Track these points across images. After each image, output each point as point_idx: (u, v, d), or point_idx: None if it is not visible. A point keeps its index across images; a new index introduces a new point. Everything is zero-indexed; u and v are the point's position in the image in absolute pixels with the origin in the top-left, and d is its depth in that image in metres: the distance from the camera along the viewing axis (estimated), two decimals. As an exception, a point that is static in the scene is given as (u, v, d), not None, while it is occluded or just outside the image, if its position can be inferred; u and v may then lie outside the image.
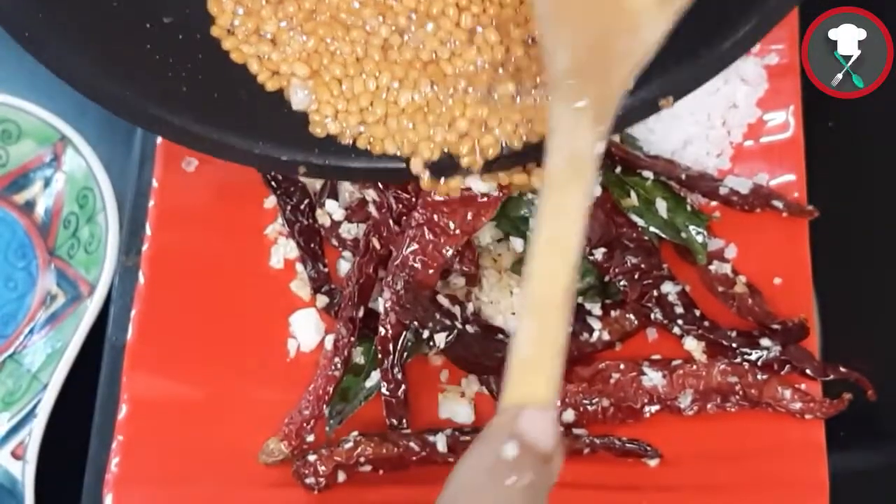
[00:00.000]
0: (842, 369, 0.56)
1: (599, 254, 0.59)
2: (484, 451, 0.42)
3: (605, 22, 0.47)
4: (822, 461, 0.56)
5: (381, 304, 0.57)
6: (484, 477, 0.42)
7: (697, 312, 0.58)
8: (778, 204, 0.60)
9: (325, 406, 0.57)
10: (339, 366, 0.58)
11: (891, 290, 0.64)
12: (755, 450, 0.56)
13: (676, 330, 0.58)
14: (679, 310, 0.58)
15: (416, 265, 0.57)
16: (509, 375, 0.43)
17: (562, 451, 0.43)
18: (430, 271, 0.57)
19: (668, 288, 0.58)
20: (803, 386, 0.57)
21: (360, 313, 0.58)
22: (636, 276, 0.58)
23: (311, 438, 0.58)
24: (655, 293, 0.58)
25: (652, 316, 0.58)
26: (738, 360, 0.57)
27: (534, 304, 0.44)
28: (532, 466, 0.42)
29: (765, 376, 0.57)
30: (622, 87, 0.47)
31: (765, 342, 0.57)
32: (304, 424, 0.57)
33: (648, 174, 0.60)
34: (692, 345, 0.58)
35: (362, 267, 0.59)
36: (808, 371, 0.57)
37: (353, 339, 0.58)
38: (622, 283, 0.58)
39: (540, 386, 0.43)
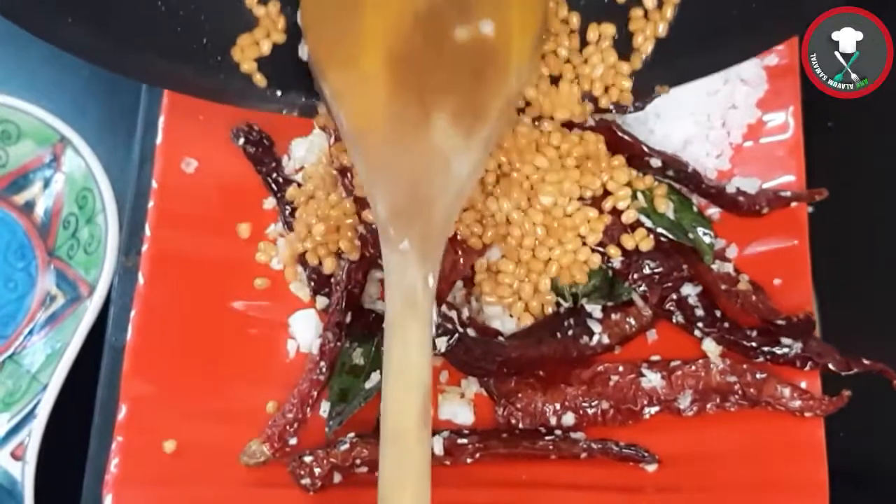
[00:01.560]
0: (865, 361, 0.56)
1: (617, 261, 0.59)
2: None
3: (418, 168, 0.50)
4: (821, 461, 0.56)
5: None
6: None
7: (718, 313, 0.58)
8: (786, 194, 0.60)
9: (308, 409, 0.58)
10: (324, 370, 0.58)
11: (891, 290, 0.64)
12: (755, 450, 0.56)
13: (697, 332, 0.58)
14: (699, 312, 0.58)
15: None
16: (378, 498, 0.46)
17: None
18: (445, 286, 0.58)
19: (688, 290, 0.59)
20: (803, 384, 0.57)
21: (348, 318, 0.58)
22: (656, 281, 0.58)
23: (293, 441, 0.58)
24: (675, 296, 0.58)
25: (673, 319, 0.59)
26: (760, 359, 0.57)
27: (390, 433, 0.47)
28: None
29: (763, 375, 0.57)
30: (444, 223, 0.50)
31: (786, 340, 0.57)
32: (287, 427, 0.57)
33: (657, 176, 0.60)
34: (710, 346, 0.58)
35: (351, 273, 0.59)
36: (830, 366, 0.57)
37: (339, 343, 0.58)
38: (642, 288, 0.58)
39: None
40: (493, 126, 0.52)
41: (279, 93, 0.59)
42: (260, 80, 0.59)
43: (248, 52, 0.59)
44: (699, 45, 0.59)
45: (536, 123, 0.58)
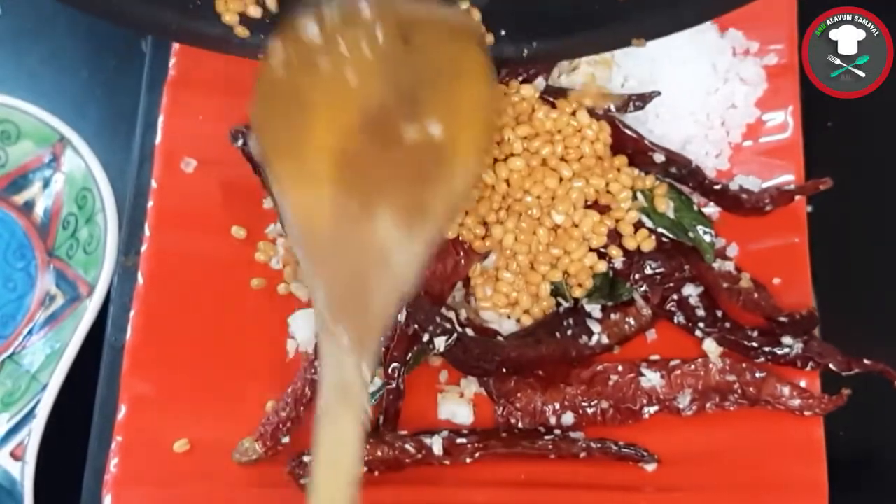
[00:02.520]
0: (866, 361, 0.56)
1: (619, 262, 0.59)
2: None
3: (358, 261, 0.50)
4: (821, 460, 0.56)
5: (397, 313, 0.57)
6: None
7: (719, 313, 0.59)
8: (789, 188, 0.60)
9: (302, 409, 0.58)
10: (318, 370, 0.58)
11: (890, 290, 0.64)
12: (754, 450, 0.56)
13: (698, 333, 0.58)
14: (700, 312, 0.58)
15: (433, 280, 0.58)
16: None
17: None
18: (447, 287, 0.58)
19: (690, 290, 0.59)
20: (802, 383, 0.57)
21: None
22: (657, 281, 0.58)
23: (286, 440, 0.58)
24: (676, 297, 0.58)
25: (674, 319, 0.59)
26: (761, 359, 0.57)
27: None
28: None
29: (763, 374, 0.57)
30: (381, 315, 0.50)
31: (786, 340, 0.57)
32: (280, 426, 0.57)
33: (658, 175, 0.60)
34: (710, 347, 0.58)
35: None
36: (831, 366, 0.57)
37: None
38: (643, 288, 0.58)
39: None
40: (437, 223, 0.52)
41: (262, 37, 0.58)
42: (242, 31, 0.58)
43: (233, 5, 0.58)
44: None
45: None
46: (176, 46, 0.65)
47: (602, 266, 0.59)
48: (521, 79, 0.60)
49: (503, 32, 0.58)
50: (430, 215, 0.52)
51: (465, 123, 0.54)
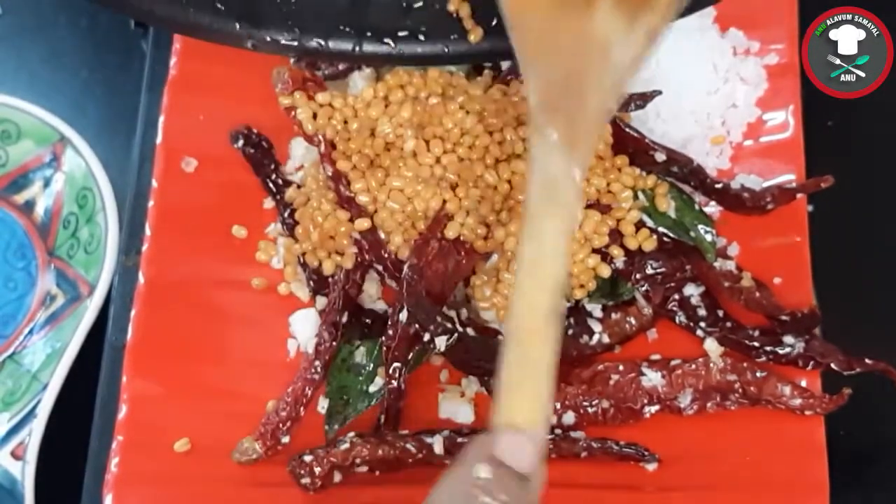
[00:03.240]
0: (867, 361, 0.57)
1: (620, 261, 0.59)
2: (461, 473, 0.43)
3: (575, 54, 0.46)
4: (822, 460, 0.56)
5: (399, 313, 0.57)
6: (460, 499, 0.42)
7: (720, 313, 0.59)
8: (791, 186, 0.60)
9: (302, 409, 0.58)
10: (318, 369, 0.58)
11: (891, 290, 0.64)
12: (755, 449, 0.56)
13: (699, 332, 0.58)
14: (702, 311, 0.58)
15: (435, 280, 0.57)
16: (497, 398, 0.44)
17: (542, 474, 0.43)
18: (448, 287, 0.58)
19: (691, 290, 0.59)
20: (803, 382, 0.57)
21: (344, 318, 0.58)
22: (658, 280, 0.58)
23: (286, 440, 0.58)
24: (677, 296, 0.59)
25: (676, 319, 0.59)
26: (763, 359, 0.57)
27: (517, 330, 0.45)
28: (506, 488, 0.42)
29: (763, 373, 0.57)
30: (597, 115, 0.47)
31: (788, 339, 0.57)
32: (280, 425, 0.57)
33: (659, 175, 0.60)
34: (712, 346, 0.58)
35: (349, 274, 0.59)
36: (833, 365, 0.57)
37: (335, 343, 0.58)
38: (644, 288, 0.58)
39: (525, 409, 0.44)
40: (660, 16, 0.47)
41: (251, 29, 0.58)
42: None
43: None
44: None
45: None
46: (176, 46, 0.65)
47: (605, 270, 0.59)
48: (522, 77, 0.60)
49: (494, 23, 0.57)
50: (653, 4, 0.47)
51: None
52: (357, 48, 0.58)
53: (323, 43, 0.58)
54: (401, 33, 0.58)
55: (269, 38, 0.57)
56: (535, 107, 0.47)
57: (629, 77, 0.48)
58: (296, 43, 0.58)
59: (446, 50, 0.58)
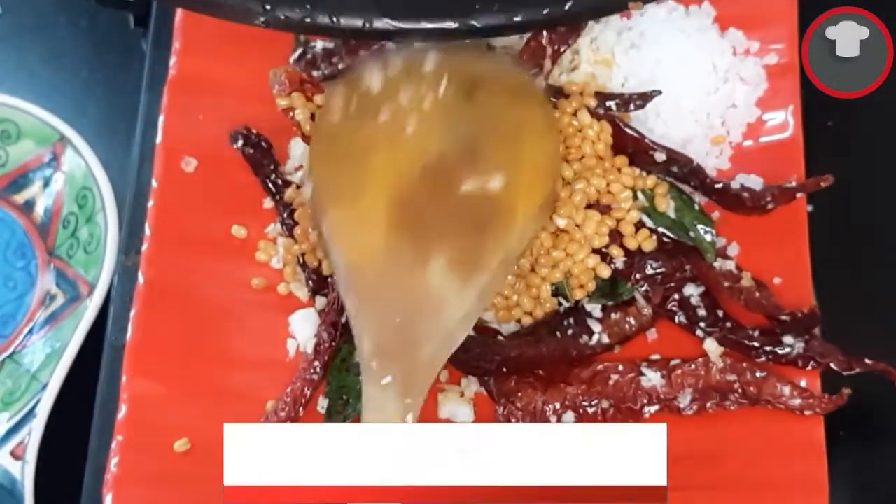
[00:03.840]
0: (867, 361, 0.56)
1: (620, 262, 0.59)
2: None
3: (409, 308, 0.50)
4: (821, 460, 0.56)
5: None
6: None
7: (720, 313, 0.59)
8: (790, 185, 0.60)
9: (301, 409, 0.57)
10: (318, 369, 0.58)
11: (890, 290, 0.64)
12: (755, 449, 0.56)
13: (699, 332, 0.58)
14: (701, 312, 0.58)
15: None
16: None
17: None
18: None
19: (691, 290, 0.59)
20: (803, 382, 0.57)
21: (344, 318, 0.58)
22: (658, 281, 0.58)
23: None
24: (677, 296, 0.59)
25: (676, 319, 0.59)
26: (763, 359, 0.57)
27: None
28: None
29: (763, 373, 0.57)
30: (429, 365, 0.50)
31: (787, 339, 0.57)
32: None
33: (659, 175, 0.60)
34: (711, 346, 0.58)
35: None
36: (833, 365, 0.57)
37: (334, 343, 0.58)
38: (644, 288, 0.58)
39: None
40: (492, 277, 0.52)
41: (267, 7, 0.58)
42: None
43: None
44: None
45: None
46: (176, 45, 0.65)
47: (605, 271, 0.59)
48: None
49: (496, 7, 0.58)
50: (485, 268, 0.52)
51: (527, 179, 0.55)
52: (367, 24, 0.58)
53: (335, 19, 0.58)
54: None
55: (282, 16, 0.57)
56: (370, 356, 0.50)
57: (460, 334, 0.51)
58: (308, 19, 0.58)
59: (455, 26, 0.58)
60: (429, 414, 0.59)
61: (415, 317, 0.50)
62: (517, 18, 0.58)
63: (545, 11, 0.58)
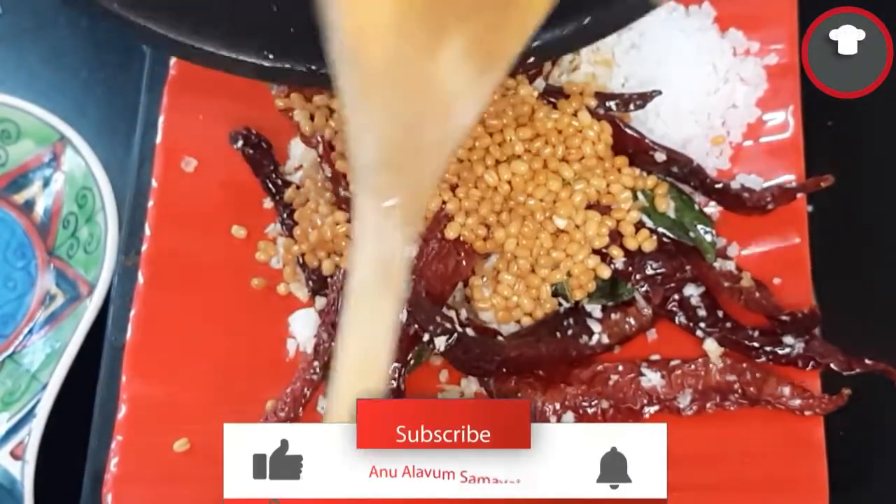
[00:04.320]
0: (867, 361, 0.56)
1: (620, 262, 0.59)
2: None
3: (417, 107, 0.42)
4: (821, 460, 0.56)
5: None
6: None
7: (720, 314, 0.59)
8: (791, 185, 0.60)
9: (301, 409, 0.57)
10: (317, 369, 0.58)
11: (891, 290, 0.64)
12: (755, 449, 0.56)
13: (699, 333, 0.58)
14: (701, 312, 0.58)
15: (434, 281, 0.57)
16: None
17: None
18: (447, 287, 0.58)
19: (691, 290, 0.59)
20: (803, 383, 0.57)
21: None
22: (658, 281, 0.58)
23: None
24: (677, 297, 0.59)
25: (676, 319, 0.59)
26: (763, 359, 0.57)
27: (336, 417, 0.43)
28: None
29: (763, 374, 0.57)
30: (433, 183, 0.43)
31: (787, 340, 0.57)
32: None
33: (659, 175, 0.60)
34: (711, 347, 0.58)
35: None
36: (833, 365, 0.57)
37: (333, 343, 0.58)
38: (644, 288, 0.58)
39: None
40: (503, 72, 0.43)
41: (271, 57, 0.54)
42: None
43: None
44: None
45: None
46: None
47: (605, 271, 0.59)
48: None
49: None
50: (501, 60, 0.42)
51: None
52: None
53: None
54: None
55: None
56: (371, 169, 0.42)
57: (465, 132, 0.43)
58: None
59: None
60: (429, 414, 0.59)
61: (424, 116, 0.42)
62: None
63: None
